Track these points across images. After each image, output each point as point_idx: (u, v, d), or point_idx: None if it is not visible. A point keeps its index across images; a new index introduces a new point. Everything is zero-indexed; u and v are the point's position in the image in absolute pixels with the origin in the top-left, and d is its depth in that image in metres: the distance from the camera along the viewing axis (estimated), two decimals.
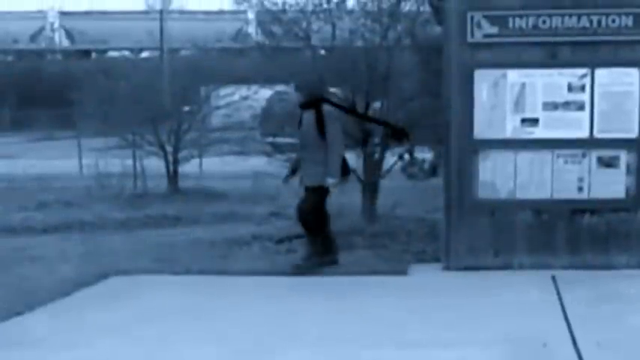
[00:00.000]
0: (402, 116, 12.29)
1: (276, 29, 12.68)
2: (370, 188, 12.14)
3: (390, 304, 8.11)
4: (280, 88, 17.31)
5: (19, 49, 43.20)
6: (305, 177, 9.62)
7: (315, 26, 12.58)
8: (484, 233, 9.45)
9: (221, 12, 47.94)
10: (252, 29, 43.17)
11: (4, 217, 13.84)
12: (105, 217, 13.53)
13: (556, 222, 9.44)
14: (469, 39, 9.39)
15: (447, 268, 9.50)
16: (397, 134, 11.61)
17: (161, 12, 37.24)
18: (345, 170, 9.80)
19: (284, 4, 12.60)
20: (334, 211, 13.24)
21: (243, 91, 17.31)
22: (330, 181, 9.39)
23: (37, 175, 19.56)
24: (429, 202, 13.79)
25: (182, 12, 49.13)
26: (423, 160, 16.24)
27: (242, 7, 15.34)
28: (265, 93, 17.86)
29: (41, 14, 45.95)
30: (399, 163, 14.52)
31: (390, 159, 12.96)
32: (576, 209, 9.42)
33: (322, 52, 13.12)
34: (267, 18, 12.97)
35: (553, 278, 8.87)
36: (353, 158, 12.87)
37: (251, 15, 41.50)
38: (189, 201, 14.84)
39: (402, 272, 9.39)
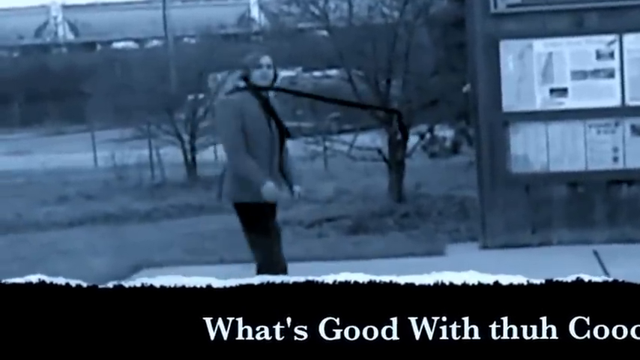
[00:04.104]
0: (422, 93, 12.15)
1: (293, 9, 12.50)
2: (396, 168, 11.97)
3: None
4: (287, 72, 17.21)
5: (24, 45, 43.13)
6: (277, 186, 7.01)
7: (332, 4, 12.42)
8: (520, 209, 9.23)
9: None
10: (255, 13, 43.03)
11: (27, 212, 13.73)
12: (128, 209, 13.41)
13: (593, 194, 9.19)
14: (492, 10, 9.13)
15: (485, 246, 9.29)
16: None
17: (164, 0, 37.01)
18: None
19: None
20: (359, 193, 13.15)
21: None
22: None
23: (53, 170, 19.44)
24: (452, 180, 13.65)
25: (184, 0, 49.00)
26: (444, 138, 16.06)
27: None
28: (280, 75, 17.71)
29: (44, 9, 45.88)
30: (420, 142, 14.40)
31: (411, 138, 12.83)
32: (613, 180, 9.19)
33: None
34: None
35: (595, 253, 8.66)
36: (377, 137, 12.79)
37: None
38: (210, 189, 14.68)
39: (440, 253, 9.21)
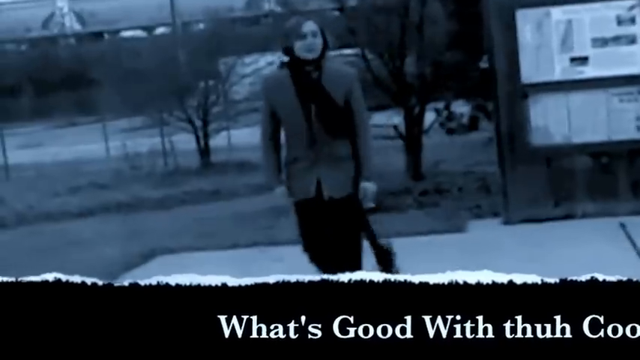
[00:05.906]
0: (437, 68, 11.89)
1: None
2: (413, 145, 11.71)
3: (454, 264, 7.66)
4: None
5: (31, 37, 42.99)
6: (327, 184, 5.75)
7: None
8: (542, 182, 9.00)
9: None
10: None
11: (39, 203, 13.55)
12: (141, 197, 13.24)
13: (617, 165, 8.98)
14: None
15: (507, 222, 9.05)
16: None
17: None
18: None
19: None
20: (375, 172, 12.83)
21: (268, 57, 16.97)
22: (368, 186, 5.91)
23: (65, 161, 19.30)
24: (471, 156, 13.43)
25: None
26: (461, 114, 15.81)
27: None
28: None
29: (50, 0, 45.64)
30: (438, 119, 14.17)
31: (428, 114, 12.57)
32: (636, 150, 8.95)
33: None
34: None
35: (622, 225, 8.38)
36: (393, 116, 12.52)
37: None
38: (224, 174, 14.54)
39: (461, 229, 8.97)
